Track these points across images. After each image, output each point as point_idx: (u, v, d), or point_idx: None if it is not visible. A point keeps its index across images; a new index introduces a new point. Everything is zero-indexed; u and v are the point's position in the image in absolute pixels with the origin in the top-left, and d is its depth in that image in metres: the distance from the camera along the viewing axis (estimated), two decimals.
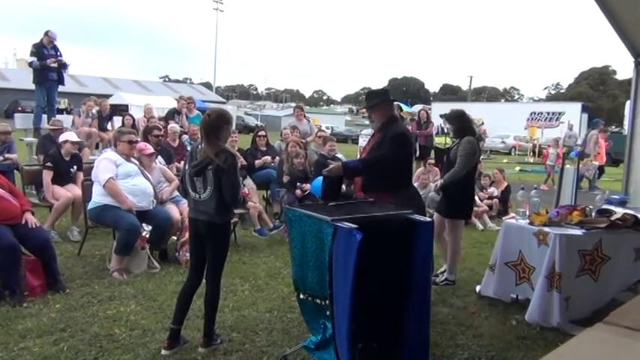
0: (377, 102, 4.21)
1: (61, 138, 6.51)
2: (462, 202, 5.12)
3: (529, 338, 3.96)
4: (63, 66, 10.01)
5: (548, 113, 35.06)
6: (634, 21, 5.26)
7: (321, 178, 6.43)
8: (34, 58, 9.69)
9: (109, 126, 10.72)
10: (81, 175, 6.34)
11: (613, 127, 52.12)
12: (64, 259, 5.28)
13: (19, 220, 4.41)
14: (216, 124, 3.42)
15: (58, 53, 9.86)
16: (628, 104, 6.07)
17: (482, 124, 27.25)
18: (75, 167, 6.44)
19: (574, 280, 4.17)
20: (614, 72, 62.04)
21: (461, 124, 5.20)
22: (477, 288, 4.85)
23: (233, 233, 6.37)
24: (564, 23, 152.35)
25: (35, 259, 4.45)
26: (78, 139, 6.62)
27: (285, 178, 7.11)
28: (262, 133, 8.65)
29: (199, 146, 3.51)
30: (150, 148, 5.98)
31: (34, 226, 4.43)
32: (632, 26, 5.36)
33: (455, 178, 4.97)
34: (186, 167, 3.53)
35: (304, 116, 10.36)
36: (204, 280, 3.57)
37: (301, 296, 3.33)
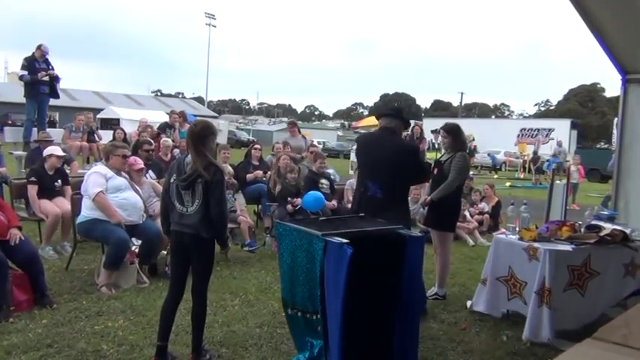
0: None
1: (46, 152, 6.43)
2: (449, 215, 5.16)
3: (519, 354, 3.96)
4: (55, 79, 9.99)
5: (539, 129, 35.48)
6: (621, 39, 5.35)
7: (311, 192, 6.46)
8: (25, 72, 9.67)
9: (95, 137, 10.73)
10: (69, 190, 6.28)
11: (602, 143, 52.72)
12: (51, 273, 5.22)
13: (5, 236, 4.36)
14: (202, 134, 3.40)
15: (50, 67, 9.84)
16: (616, 121, 6.15)
17: (473, 139, 27.50)
18: (60, 181, 6.36)
19: (561, 294, 4.19)
20: (603, 89, 62.77)
21: (458, 138, 5.26)
22: (468, 303, 4.85)
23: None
24: (554, 41, 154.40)
25: (22, 274, 4.40)
26: (63, 154, 6.54)
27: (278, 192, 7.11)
28: (258, 146, 8.66)
29: (186, 158, 3.47)
30: (139, 163, 5.95)
31: (17, 241, 4.37)
32: (619, 44, 5.44)
33: (447, 192, 5.00)
34: (171, 180, 3.47)
35: (299, 131, 10.42)
36: (188, 295, 3.54)
37: (289, 312, 3.31)
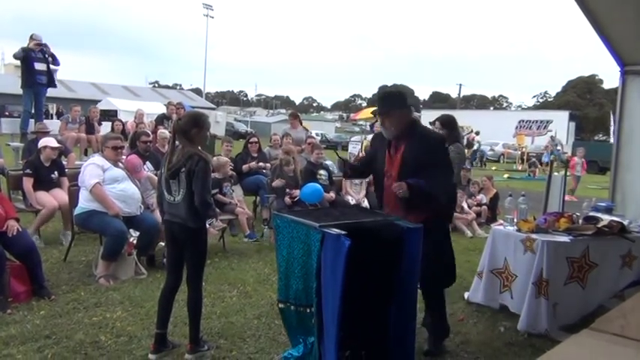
0: (400, 105, 3.75)
1: (41, 143, 6.40)
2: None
3: (517, 345, 3.98)
4: (53, 59, 9.87)
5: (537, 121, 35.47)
6: (620, 31, 5.33)
7: (310, 184, 6.45)
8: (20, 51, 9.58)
9: (95, 129, 10.70)
10: (65, 181, 6.26)
11: (600, 135, 52.76)
12: (49, 264, 5.22)
13: (2, 227, 4.35)
14: (185, 129, 3.42)
15: (46, 55, 9.76)
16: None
17: (472, 131, 27.45)
18: (56, 173, 6.34)
19: (562, 287, 4.20)
20: (601, 81, 62.75)
21: (453, 130, 5.27)
22: (466, 295, 4.87)
23: (222, 239, 6.35)
24: (553, 33, 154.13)
25: (20, 265, 4.40)
26: (57, 145, 6.50)
27: (280, 182, 7.11)
28: (254, 139, 8.63)
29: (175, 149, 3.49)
30: (141, 171, 5.97)
31: (14, 233, 4.36)
32: (617, 36, 5.42)
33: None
34: (163, 170, 3.52)
35: (300, 123, 10.41)
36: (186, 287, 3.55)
37: (280, 305, 3.31)
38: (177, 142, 3.46)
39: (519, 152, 27.78)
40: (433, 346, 3.75)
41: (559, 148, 20.69)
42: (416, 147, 3.61)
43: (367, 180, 8.32)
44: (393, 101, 3.77)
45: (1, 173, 7.25)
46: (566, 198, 11.23)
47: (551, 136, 23.48)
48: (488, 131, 30.68)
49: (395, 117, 3.68)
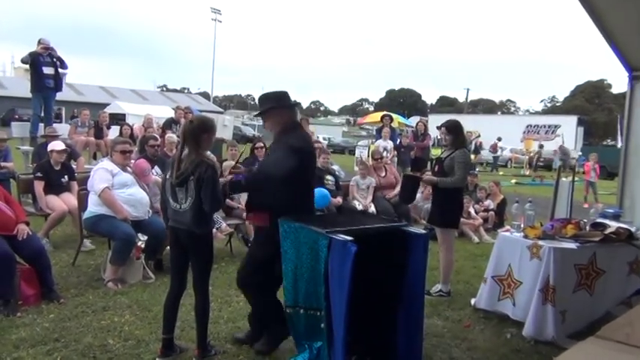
0: (269, 107, 3.70)
1: (49, 148, 6.48)
2: (453, 212, 5.20)
3: (523, 352, 3.97)
4: (61, 63, 9.92)
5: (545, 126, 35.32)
6: (628, 36, 5.32)
7: (317, 189, 6.47)
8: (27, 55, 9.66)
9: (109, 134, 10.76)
10: (75, 185, 6.31)
11: (608, 140, 52.46)
12: (58, 268, 5.27)
13: (13, 231, 4.39)
14: (195, 133, 3.41)
15: (54, 59, 9.82)
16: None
17: (479, 136, 27.33)
18: (66, 177, 6.40)
19: (571, 295, 4.19)
20: (610, 86, 62.45)
21: (459, 135, 5.31)
22: (472, 301, 4.86)
23: (229, 244, 6.37)
24: (561, 37, 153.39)
25: (30, 269, 4.44)
26: (63, 147, 6.53)
27: None
28: (260, 144, 8.66)
29: (181, 156, 3.47)
30: (150, 175, 6.02)
31: (24, 236, 4.40)
32: (625, 41, 5.41)
33: (453, 186, 5.07)
34: (167, 177, 3.52)
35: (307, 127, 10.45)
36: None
37: (288, 310, 3.32)
38: (185, 147, 3.45)
39: (527, 157, 27.63)
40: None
41: (573, 157, 20.48)
42: (272, 148, 3.71)
43: (374, 185, 8.35)
44: (266, 103, 3.73)
45: (11, 177, 7.31)
46: (585, 206, 11.14)
47: (560, 146, 23.30)
48: (496, 136, 30.58)
49: (271, 118, 3.71)
